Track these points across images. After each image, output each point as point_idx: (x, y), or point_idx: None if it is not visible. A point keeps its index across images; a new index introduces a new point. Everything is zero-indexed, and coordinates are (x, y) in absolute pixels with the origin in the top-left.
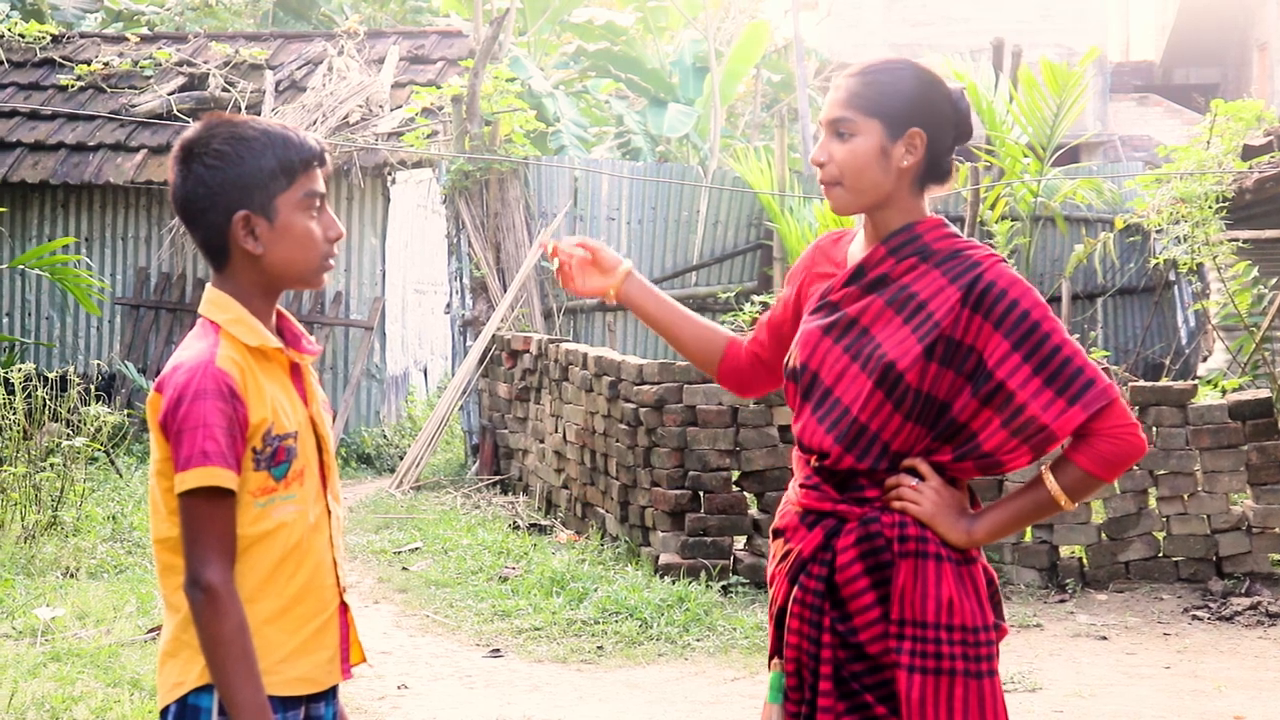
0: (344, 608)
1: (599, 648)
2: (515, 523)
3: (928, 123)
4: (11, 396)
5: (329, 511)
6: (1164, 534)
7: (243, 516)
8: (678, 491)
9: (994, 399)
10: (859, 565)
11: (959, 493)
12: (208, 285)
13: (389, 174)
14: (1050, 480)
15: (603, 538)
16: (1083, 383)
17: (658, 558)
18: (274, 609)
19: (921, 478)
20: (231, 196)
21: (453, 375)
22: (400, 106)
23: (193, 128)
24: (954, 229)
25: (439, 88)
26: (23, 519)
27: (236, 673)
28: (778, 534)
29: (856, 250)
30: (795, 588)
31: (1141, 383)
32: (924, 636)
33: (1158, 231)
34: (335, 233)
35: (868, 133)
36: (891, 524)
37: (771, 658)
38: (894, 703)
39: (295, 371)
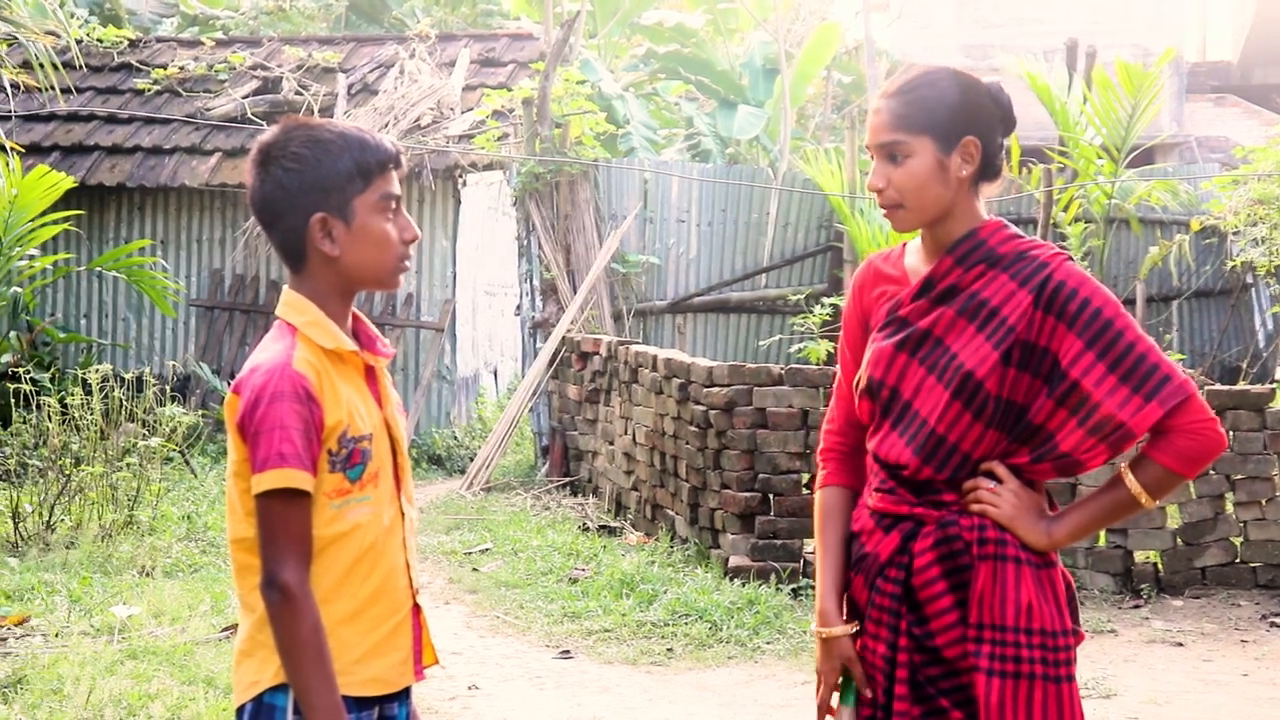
0: (416, 609)
1: (669, 650)
2: (585, 524)
3: (977, 128)
4: (89, 397)
5: (402, 513)
6: (1241, 540)
7: (318, 518)
8: (748, 494)
9: (1070, 399)
10: (937, 569)
11: (1037, 495)
12: (284, 287)
13: (460, 176)
14: (1130, 479)
15: (672, 540)
16: (1159, 379)
17: (727, 560)
18: (348, 610)
19: (999, 480)
20: (309, 199)
21: (523, 377)
22: (471, 109)
23: (271, 131)
24: (1015, 230)
25: (509, 90)
26: (100, 518)
27: (311, 673)
28: (853, 537)
29: (916, 262)
30: (872, 592)
31: (1218, 386)
32: (1003, 640)
33: (1235, 233)
34: (411, 235)
35: (921, 151)
36: (970, 527)
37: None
38: (970, 707)
39: (370, 374)
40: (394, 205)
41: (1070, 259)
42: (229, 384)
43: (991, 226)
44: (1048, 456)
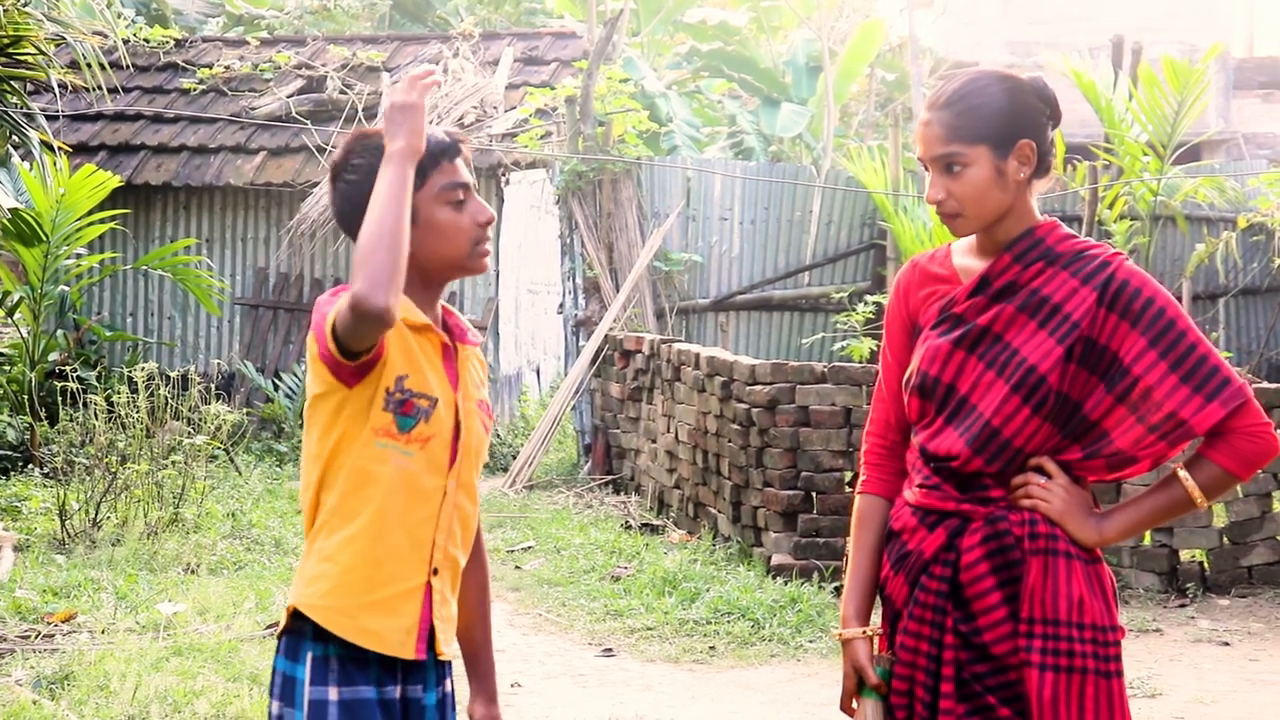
0: (429, 589)
1: (711, 648)
2: (627, 522)
3: (1030, 129)
4: (135, 395)
5: (445, 492)
6: None
7: (363, 446)
8: (790, 492)
9: (1130, 396)
10: (985, 564)
11: (1085, 492)
12: None
13: (503, 175)
14: (1187, 479)
15: (715, 538)
16: (1220, 380)
17: (770, 558)
18: (368, 556)
19: (1048, 476)
20: None
21: (565, 375)
22: (514, 108)
23: (338, 149)
24: (1069, 230)
25: (553, 89)
26: (146, 516)
27: (381, 196)
28: (892, 535)
29: (966, 260)
30: (916, 590)
31: (1265, 384)
32: (1056, 635)
33: None
34: (484, 217)
35: (979, 160)
36: (1020, 522)
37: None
38: (1019, 704)
39: (448, 355)
40: (460, 194)
41: (1127, 258)
42: (273, 382)
43: (1047, 226)
44: (1101, 453)
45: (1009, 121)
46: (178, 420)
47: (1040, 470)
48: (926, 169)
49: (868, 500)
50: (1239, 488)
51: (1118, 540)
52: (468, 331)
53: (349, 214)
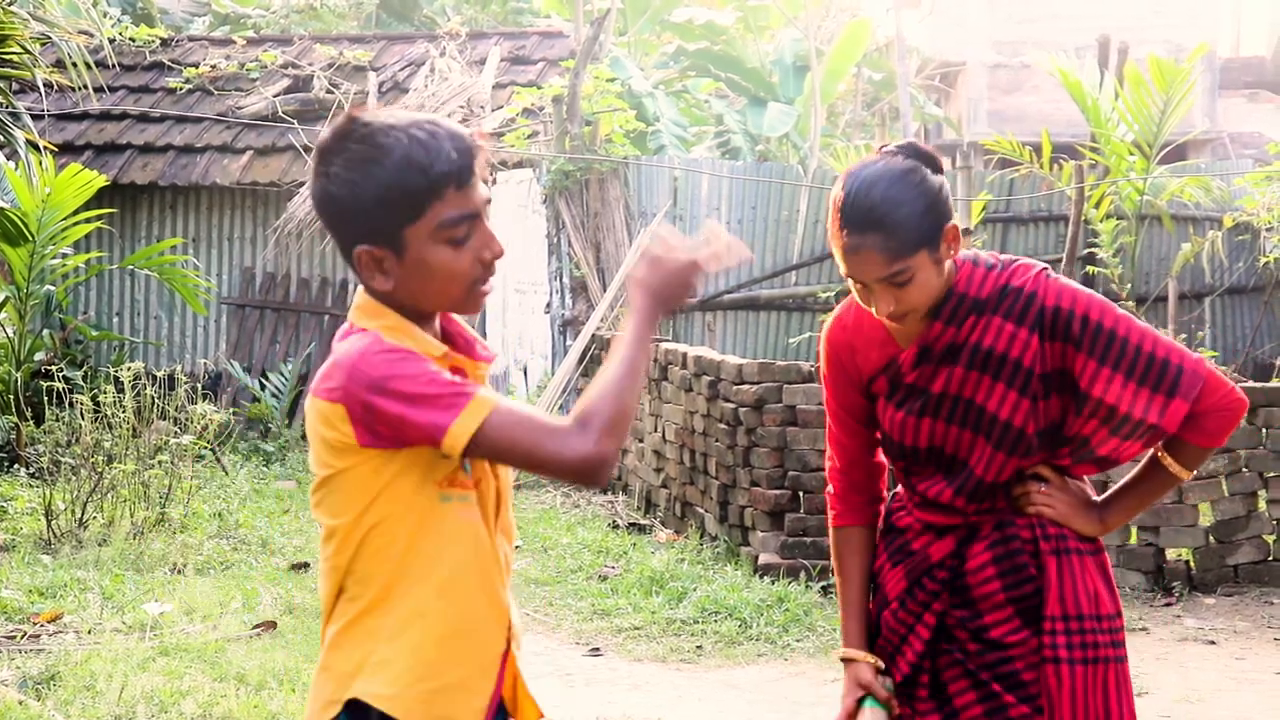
0: (505, 659)
1: (698, 647)
2: (614, 522)
3: (947, 210)
4: (121, 395)
5: (498, 546)
6: (1274, 537)
7: (424, 504)
8: (777, 491)
9: (1099, 413)
10: (992, 568)
11: (1081, 485)
12: (358, 291)
13: (490, 174)
14: (1169, 460)
15: (702, 537)
16: (1174, 372)
17: (757, 557)
18: (445, 629)
19: (1045, 480)
20: (351, 228)
21: (553, 374)
22: (501, 107)
23: (332, 128)
24: (979, 259)
25: (540, 88)
26: (132, 516)
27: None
28: (894, 530)
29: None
30: (914, 588)
31: (1251, 384)
32: (1081, 629)
33: (1268, 229)
34: (491, 252)
35: (921, 265)
36: (1028, 525)
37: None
38: (1020, 690)
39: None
40: (463, 230)
41: (1046, 272)
42: (260, 382)
43: (964, 274)
44: (1088, 459)
45: (928, 218)
46: (164, 420)
47: (1036, 476)
48: (865, 287)
49: (844, 532)
50: (1224, 486)
51: (1119, 526)
52: (475, 343)
53: (330, 217)
